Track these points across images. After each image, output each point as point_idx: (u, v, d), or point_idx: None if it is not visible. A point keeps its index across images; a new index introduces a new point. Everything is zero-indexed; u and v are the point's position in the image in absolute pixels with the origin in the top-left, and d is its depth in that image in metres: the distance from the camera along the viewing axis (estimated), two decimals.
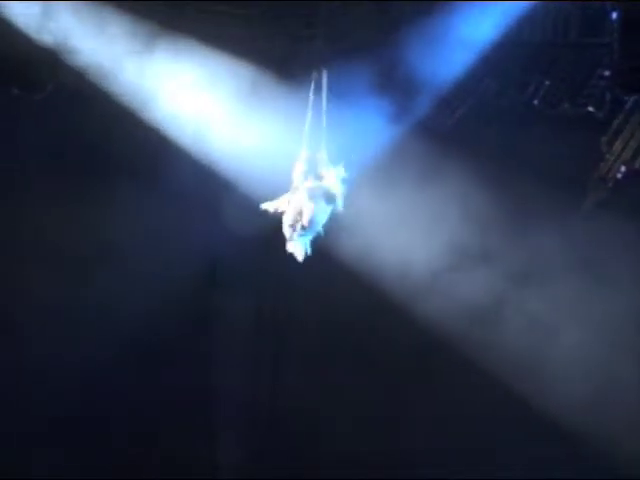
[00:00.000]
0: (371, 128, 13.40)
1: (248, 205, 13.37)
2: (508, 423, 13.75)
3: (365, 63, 13.25)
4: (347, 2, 13.57)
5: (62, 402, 13.63)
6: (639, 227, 13.75)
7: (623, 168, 13.94)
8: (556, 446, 13.63)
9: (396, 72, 13.70)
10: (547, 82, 14.05)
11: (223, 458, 14.29)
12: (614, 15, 13.75)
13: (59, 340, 13.73)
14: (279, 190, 13.25)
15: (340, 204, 10.15)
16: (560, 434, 13.51)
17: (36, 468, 13.78)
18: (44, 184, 13.76)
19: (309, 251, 9.78)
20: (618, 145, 13.95)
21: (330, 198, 9.93)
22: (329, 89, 13.07)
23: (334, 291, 13.83)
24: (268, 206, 9.81)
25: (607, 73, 13.91)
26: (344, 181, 10.12)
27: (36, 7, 12.83)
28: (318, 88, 10.55)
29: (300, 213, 9.81)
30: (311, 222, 9.76)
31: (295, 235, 9.70)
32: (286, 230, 9.67)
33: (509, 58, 13.89)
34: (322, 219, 9.92)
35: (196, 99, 13.42)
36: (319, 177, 10.00)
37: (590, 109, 14.05)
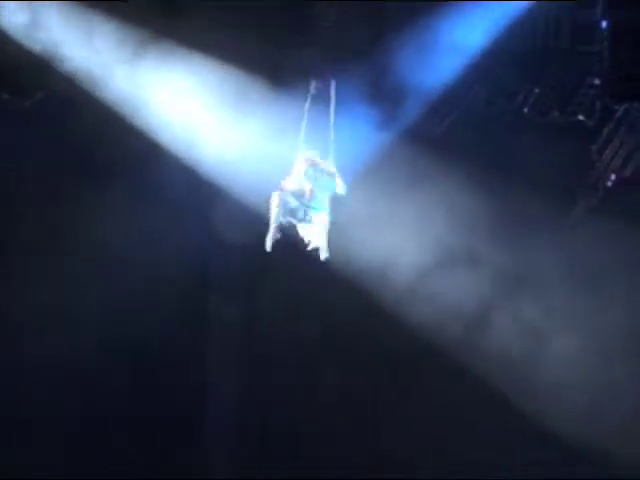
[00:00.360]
0: (360, 134, 13.42)
1: (239, 210, 13.53)
2: (496, 427, 13.71)
3: (354, 70, 13.26)
4: (337, 9, 13.59)
5: (44, 403, 13.57)
6: (629, 234, 13.67)
7: (613, 176, 13.99)
8: (551, 451, 13.59)
9: (385, 79, 13.75)
10: (537, 90, 14.13)
11: (214, 466, 14.25)
12: (604, 24, 13.82)
13: (51, 341, 13.67)
14: (270, 195, 13.38)
15: (342, 186, 10.31)
16: (553, 439, 13.45)
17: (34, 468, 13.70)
18: (35, 189, 13.74)
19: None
20: (608, 153, 14.02)
21: (330, 176, 10.15)
22: (318, 96, 13.16)
23: (323, 295, 13.82)
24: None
25: (597, 82, 13.99)
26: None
27: (26, 14, 12.81)
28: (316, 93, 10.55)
29: (302, 190, 10.01)
30: (313, 197, 9.97)
31: (301, 215, 9.80)
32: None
33: (499, 66, 13.97)
34: (324, 196, 10.03)
35: (187, 105, 13.50)
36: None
37: (580, 117, 14.13)
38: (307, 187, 10.23)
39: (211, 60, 13.27)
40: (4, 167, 13.73)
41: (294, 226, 10.21)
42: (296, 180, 10.23)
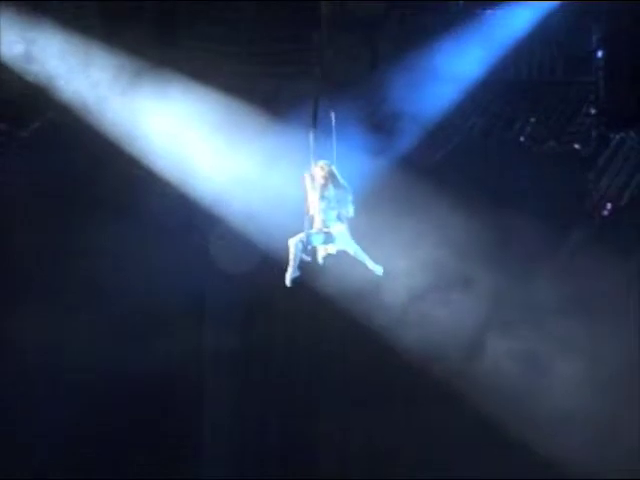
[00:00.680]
0: (357, 162, 13.46)
1: (235, 239, 13.57)
2: (493, 455, 13.65)
3: (352, 99, 13.33)
4: (334, 40, 13.69)
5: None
6: (625, 263, 13.67)
7: (609, 205, 13.98)
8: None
9: (383, 107, 13.81)
10: (533, 119, 14.23)
11: None
12: (599, 54, 13.91)
13: (47, 364, 13.72)
14: (265, 225, 13.44)
15: (351, 210, 10.40)
16: (552, 469, 13.39)
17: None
18: (32, 217, 13.76)
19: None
20: (604, 182, 14.04)
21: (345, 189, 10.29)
22: (317, 128, 13.24)
23: (319, 322, 13.85)
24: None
25: (593, 111, 14.09)
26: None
27: (23, 45, 12.91)
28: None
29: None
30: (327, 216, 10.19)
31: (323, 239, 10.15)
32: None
33: (495, 95, 14.05)
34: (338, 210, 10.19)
35: (183, 134, 13.54)
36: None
37: (576, 146, 14.21)
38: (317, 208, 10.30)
39: (208, 89, 13.33)
40: (1, 195, 13.73)
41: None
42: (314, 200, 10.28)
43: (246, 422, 14.12)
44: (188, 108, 13.45)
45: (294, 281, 10.20)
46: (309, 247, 10.17)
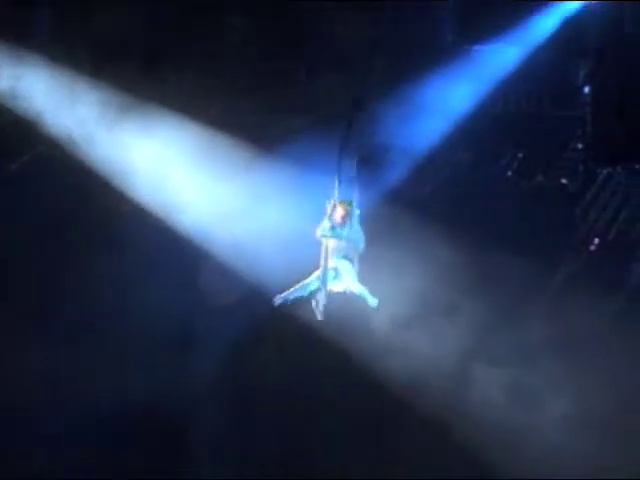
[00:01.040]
0: (345, 195, 13.49)
1: (223, 273, 13.59)
2: None
3: (338, 135, 13.39)
4: (322, 74, 13.79)
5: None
6: (612, 298, 13.69)
7: (596, 240, 14.03)
8: None
9: (372, 141, 13.88)
10: (521, 154, 14.29)
11: None
12: (586, 89, 14.00)
13: (37, 401, 13.71)
14: (253, 258, 13.49)
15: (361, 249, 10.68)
16: None
17: None
18: (19, 251, 13.80)
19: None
20: (591, 217, 14.10)
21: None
22: (302, 160, 13.33)
23: (307, 355, 13.85)
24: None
25: (580, 146, 14.16)
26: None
27: (10, 80, 12.98)
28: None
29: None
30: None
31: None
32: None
33: (483, 130, 14.12)
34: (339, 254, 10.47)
35: (170, 169, 13.66)
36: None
37: (563, 181, 14.25)
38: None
39: (195, 124, 13.41)
40: None
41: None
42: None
43: (233, 452, 14.06)
44: (175, 143, 13.60)
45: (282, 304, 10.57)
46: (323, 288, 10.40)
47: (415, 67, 13.89)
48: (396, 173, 13.87)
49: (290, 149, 13.53)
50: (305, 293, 10.44)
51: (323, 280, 10.30)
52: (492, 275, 13.79)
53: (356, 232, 10.64)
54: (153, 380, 13.63)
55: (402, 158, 13.87)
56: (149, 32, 13.73)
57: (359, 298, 10.48)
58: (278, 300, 10.49)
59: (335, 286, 10.41)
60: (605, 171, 14.10)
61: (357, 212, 10.75)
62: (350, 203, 10.80)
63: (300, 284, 10.46)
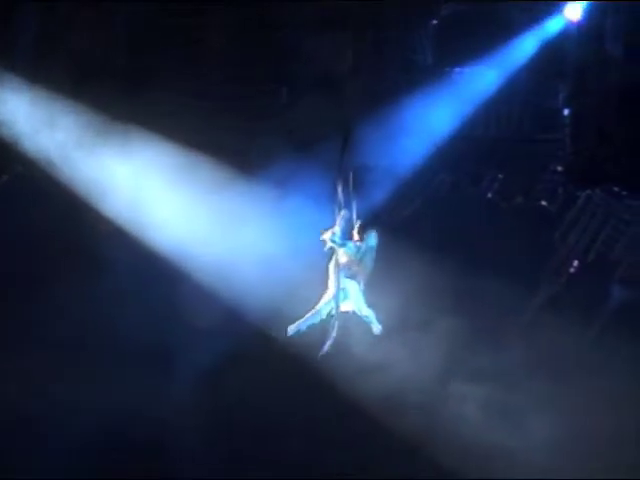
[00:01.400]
0: (326, 221, 13.50)
1: (202, 296, 13.57)
2: None
3: (319, 155, 13.42)
4: (303, 95, 13.82)
5: None
6: (591, 319, 13.71)
7: (576, 262, 14.05)
8: None
9: (352, 163, 13.86)
10: (501, 176, 14.33)
11: None
12: (566, 111, 14.06)
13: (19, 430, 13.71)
14: (232, 280, 13.48)
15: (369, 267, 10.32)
16: None
17: None
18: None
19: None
20: (571, 239, 14.12)
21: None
22: (282, 183, 13.33)
23: (283, 378, 13.81)
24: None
25: (559, 168, 14.21)
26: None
27: None
28: None
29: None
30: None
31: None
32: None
33: (464, 152, 14.17)
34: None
35: (150, 189, 13.63)
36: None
37: (543, 203, 14.28)
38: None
39: (176, 145, 13.41)
40: None
41: None
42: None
43: (213, 473, 13.96)
44: (155, 163, 13.64)
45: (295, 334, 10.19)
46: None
47: (396, 89, 13.92)
48: (377, 194, 13.85)
49: (270, 171, 13.55)
50: (317, 320, 10.11)
51: (336, 298, 9.92)
52: (472, 296, 13.79)
53: (369, 253, 10.29)
54: (129, 400, 13.64)
55: (383, 179, 13.86)
56: (129, 53, 13.76)
57: (363, 321, 10.21)
58: (291, 331, 10.14)
59: (344, 306, 10.12)
60: (585, 193, 14.15)
61: (374, 234, 10.40)
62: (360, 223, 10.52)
63: (311, 311, 10.11)
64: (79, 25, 13.43)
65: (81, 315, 13.72)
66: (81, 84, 13.39)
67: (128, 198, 13.65)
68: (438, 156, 14.04)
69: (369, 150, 13.76)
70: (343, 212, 10.33)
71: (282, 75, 14.00)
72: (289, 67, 13.99)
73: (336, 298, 9.93)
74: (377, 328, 10.14)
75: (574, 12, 13.79)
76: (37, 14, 13.64)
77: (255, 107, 13.91)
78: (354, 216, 10.46)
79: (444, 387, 13.72)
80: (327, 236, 10.07)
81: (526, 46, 13.94)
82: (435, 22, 14.10)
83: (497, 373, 13.72)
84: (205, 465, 14.06)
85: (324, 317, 10.07)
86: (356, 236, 10.35)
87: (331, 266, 10.07)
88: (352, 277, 10.12)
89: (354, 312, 10.15)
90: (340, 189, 10.54)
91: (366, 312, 10.09)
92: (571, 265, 14.20)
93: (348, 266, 10.07)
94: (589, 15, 13.79)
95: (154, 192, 13.67)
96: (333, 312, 9.96)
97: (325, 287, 10.09)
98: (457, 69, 14.12)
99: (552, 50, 13.95)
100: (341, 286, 9.97)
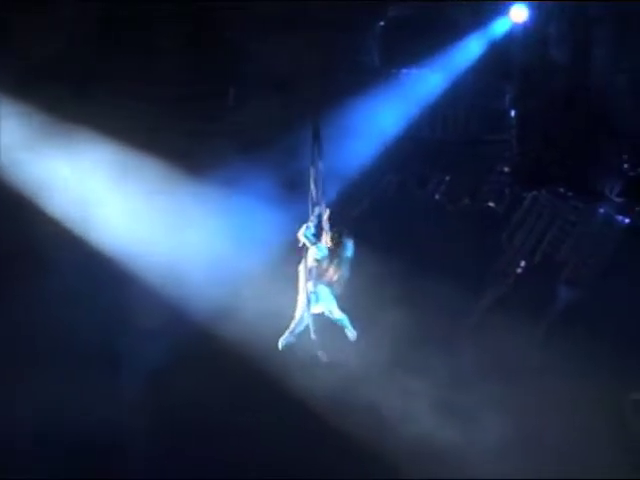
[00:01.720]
0: (274, 222, 13.50)
1: (149, 296, 13.49)
2: None
3: (267, 158, 13.40)
4: (250, 97, 13.79)
5: None
6: (538, 320, 13.78)
7: (523, 263, 14.11)
8: None
9: (298, 166, 13.84)
10: (448, 177, 14.36)
11: None
12: (512, 113, 14.12)
13: None
14: (179, 281, 13.41)
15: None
16: None
17: None
18: None
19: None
20: (518, 240, 14.19)
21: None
22: (229, 183, 13.25)
23: (232, 375, 13.78)
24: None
25: (506, 169, 14.26)
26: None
27: None
28: None
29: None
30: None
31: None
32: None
33: (411, 154, 14.21)
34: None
35: (96, 191, 13.58)
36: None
37: (490, 204, 14.32)
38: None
39: (123, 145, 13.31)
40: None
41: None
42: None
43: (161, 474, 14.01)
44: (102, 164, 13.58)
45: (286, 346, 9.90)
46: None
47: (343, 90, 13.91)
48: (325, 195, 13.82)
49: (218, 171, 13.51)
50: (302, 327, 9.77)
51: (307, 303, 9.62)
52: (419, 297, 13.83)
53: (344, 263, 9.92)
54: (80, 403, 13.48)
55: (329, 181, 13.82)
56: (76, 54, 13.65)
57: (338, 325, 10.01)
58: (281, 344, 9.85)
59: (315, 308, 9.83)
60: (531, 194, 14.23)
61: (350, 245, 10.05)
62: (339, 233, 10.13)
63: (294, 320, 9.81)
64: (24, 25, 13.31)
65: (27, 316, 13.70)
66: (26, 85, 13.31)
67: (74, 199, 13.63)
68: (385, 157, 14.09)
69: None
70: (317, 209, 10.10)
71: (230, 76, 13.98)
72: (237, 68, 13.98)
73: (307, 300, 9.68)
74: (352, 334, 9.92)
75: (520, 14, 13.92)
76: None
77: (203, 108, 13.90)
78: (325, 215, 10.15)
79: (391, 386, 13.73)
80: (301, 231, 9.85)
81: (472, 48, 14.07)
82: (382, 23, 14.15)
83: (445, 373, 13.79)
84: (152, 464, 14.07)
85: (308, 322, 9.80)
86: (328, 241, 10.03)
87: (301, 268, 9.83)
88: (325, 282, 9.79)
89: (326, 315, 9.88)
90: (313, 185, 10.26)
91: (338, 315, 9.86)
92: (518, 266, 14.29)
93: (318, 268, 9.79)
94: (534, 18, 13.90)
95: (100, 193, 13.69)
96: (305, 314, 9.75)
97: (295, 291, 9.85)
98: (404, 70, 14.22)
99: (498, 52, 14.11)
100: (311, 289, 9.69)
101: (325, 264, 9.72)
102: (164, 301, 13.67)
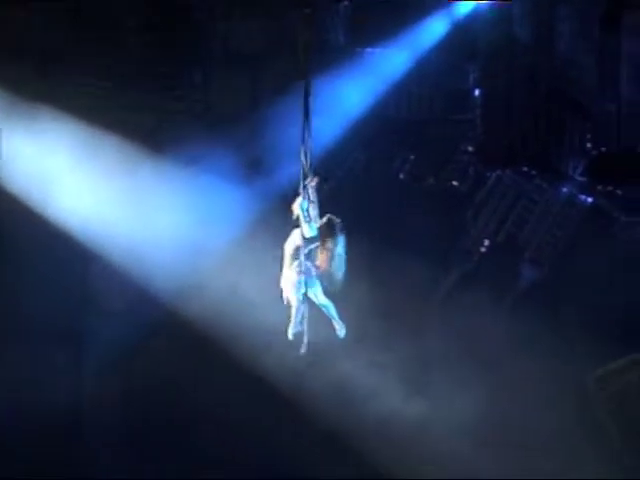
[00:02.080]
0: (239, 200, 13.46)
1: (113, 276, 13.43)
2: None
3: (232, 136, 13.35)
4: (216, 76, 13.75)
5: None
6: (502, 298, 13.87)
7: (487, 241, 14.19)
8: None
9: (264, 145, 13.84)
10: (412, 156, 14.38)
11: None
12: (476, 92, 14.15)
13: None
14: (143, 261, 13.37)
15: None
16: None
17: None
18: None
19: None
20: (482, 219, 14.26)
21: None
22: (196, 162, 13.17)
23: (194, 361, 13.77)
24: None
25: (470, 148, 14.30)
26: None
27: None
28: None
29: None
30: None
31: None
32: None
33: (376, 132, 14.24)
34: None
35: (59, 171, 13.60)
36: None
37: (454, 183, 14.35)
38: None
39: (88, 125, 13.23)
40: None
41: None
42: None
43: (125, 458, 14.03)
44: (64, 143, 13.54)
45: (296, 335, 9.43)
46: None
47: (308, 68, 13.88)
48: (289, 176, 13.81)
49: (182, 150, 13.48)
50: (303, 311, 9.18)
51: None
52: (385, 274, 13.86)
53: (339, 259, 9.34)
54: (41, 384, 13.40)
55: (296, 160, 13.80)
56: (37, 33, 13.55)
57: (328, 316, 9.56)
58: (291, 334, 9.28)
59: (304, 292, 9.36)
60: (495, 174, 14.30)
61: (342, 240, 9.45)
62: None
63: (293, 310, 9.23)
64: None
65: None
66: None
67: (36, 178, 13.58)
68: (351, 136, 14.12)
69: (281, 130, 13.74)
70: (313, 180, 9.35)
71: (194, 55, 13.93)
72: (202, 47, 13.95)
73: (298, 283, 9.13)
74: (340, 327, 9.50)
75: None
76: None
77: (167, 87, 13.85)
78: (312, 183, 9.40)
79: (356, 364, 13.75)
80: (297, 203, 9.22)
81: (437, 27, 14.12)
82: (347, 2, 14.13)
83: (412, 351, 13.83)
84: (113, 446, 14.09)
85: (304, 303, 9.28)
86: (317, 219, 9.34)
87: (288, 247, 9.32)
88: (312, 265, 9.22)
89: (311, 299, 9.38)
90: (304, 155, 9.53)
91: (323, 300, 9.35)
92: (482, 245, 14.36)
93: (309, 248, 9.21)
94: None
95: (63, 172, 13.69)
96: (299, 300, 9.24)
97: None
98: (369, 50, 14.22)
99: (462, 32, 14.16)
100: (300, 269, 9.14)
101: (313, 246, 9.21)
102: (128, 280, 13.70)
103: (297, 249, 9.17)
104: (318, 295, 9.34)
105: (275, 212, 13.82)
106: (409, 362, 13.87)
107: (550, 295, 13.99)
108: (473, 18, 14.17)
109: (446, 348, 13.95)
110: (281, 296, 9.27)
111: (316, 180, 9.35)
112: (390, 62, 14.25)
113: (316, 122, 14.08)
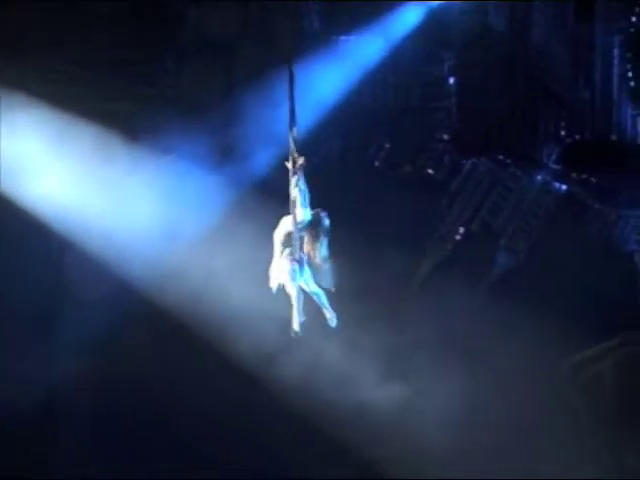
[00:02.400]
0: (212, 187, 13.42)
1: (89, 266, 13.37)
2: None
3: (206, 123, 13.30)
4: (190, 62, 13.70)
5: None
6: (476, 286, 13.91)
7: (462, 229, 14.24)
8: None
9: (238, 132, 13.81)
10: (388, 144, 14.40)
11: None
12: (451, 80, 14.19)
13: None
14: (120, 250, 13.31)
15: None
16: None
17: None
18: None
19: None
20: (457, 206, 14.30)
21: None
22: (169, 149, 13.10)
23: (171, 350, 13.64)
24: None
25: (446, 136, 14.34)
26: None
27: None
28: None
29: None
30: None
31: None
32: None
33: (351, 120, 14.23)
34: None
35: (35, 159, 13.52)
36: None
37: (430, 171, 14.39)
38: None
39: (61, 113, 13.16)
40: None
41: None
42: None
43: (96, 448, 14.05)
44: (39, 131, 13.42)
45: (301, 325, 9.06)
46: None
47: (282, 55, 13.84)
48: (262, 163, 13.78)
49: (156, 137, 13.44)
50: (301, 301, 8.78)
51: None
52: (360, 262, 13.85)
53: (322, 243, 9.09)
54: (7, 371, 13.41)
55: (268, 148, 13.80)
56: (14, 19, 13.45)
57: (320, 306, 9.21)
58: (296, 327, 8.85)
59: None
60: (470, 161, 14.36)
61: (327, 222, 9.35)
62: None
63: (293, 299, 8.86)
64: None
65: None
66: None
67: (12, 167, 13.52)
68: (326, 124, 14.09)
69: (254, 118, 13.72)
70: (303, 161, 9.23)
71: (168, 41, 13.90)
72: (175, 33, 13.94)
73: (293, 271, 8.74)
74: (332, 316, 9.15)
75: None
76: None
77: (141, 73, 13.82)
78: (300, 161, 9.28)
79: (333, 349, 13.77)
80: (293, 186, 9.06)
81: (412, 15, 14.11)
82: None
83: (387, 340, 13.87)
84: (86, 436, 14.08)
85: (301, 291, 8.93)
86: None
87: (278, 235, 9.06)
88: (304, 252, 8.93)
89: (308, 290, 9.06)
90: (293, 145, 9.34)
91: (314, 288, 8.97)
92: (457, 232, 14.42)
93: (300, 235, 8.96)
94: None
95: (36, 159, 13.66)
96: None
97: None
98: (344, 37, 14.22)
99: (437, 20, 14.17)
100: (295, 257, 8.80)
101: (304, 232, 8.95)
102: (104, 269, 13.70)
103: (288, 236, 8.91)
104: (309, 283, 9.01)
105: (250, 198, 13.87)
106: (387, 347, 13.96)
107: (525, 282, 14.13)
108: (448, 6, 14.27)
109: (422, 335, 14.01)
110: (270, 284, 8.86)
111: (302, 159, 9.20)
112: (365, 50, 14.32)
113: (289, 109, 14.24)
